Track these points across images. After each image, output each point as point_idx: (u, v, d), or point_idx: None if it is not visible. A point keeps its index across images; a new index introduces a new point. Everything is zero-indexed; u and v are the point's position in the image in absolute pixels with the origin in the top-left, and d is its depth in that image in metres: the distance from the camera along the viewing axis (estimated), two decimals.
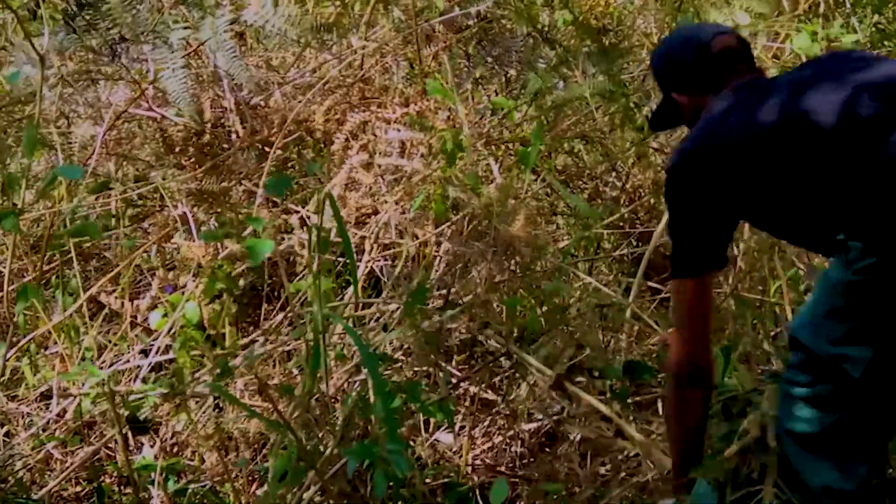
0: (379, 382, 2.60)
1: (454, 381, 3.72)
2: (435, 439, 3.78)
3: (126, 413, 3.54)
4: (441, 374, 3.51)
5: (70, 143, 4.19)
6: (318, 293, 2.73)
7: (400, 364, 3.69)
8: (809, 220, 2.51)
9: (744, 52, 2.80)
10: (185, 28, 3.83)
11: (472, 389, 3.85)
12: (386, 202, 3.94)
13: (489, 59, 4.17)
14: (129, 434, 3.69)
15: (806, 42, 4.28)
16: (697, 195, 2.58)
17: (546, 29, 4.17)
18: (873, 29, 5.46)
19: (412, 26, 4.13)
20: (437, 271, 3.97)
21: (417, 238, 3.93)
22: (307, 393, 3.06)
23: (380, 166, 3.97)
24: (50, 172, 3.51)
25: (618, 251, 4.19)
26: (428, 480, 3.49)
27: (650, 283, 4.00)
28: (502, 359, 3.71)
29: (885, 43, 5.48)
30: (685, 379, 2.68)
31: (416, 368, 3.68)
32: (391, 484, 3.01)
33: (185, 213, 4.16)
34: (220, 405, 3.70)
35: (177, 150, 4.38)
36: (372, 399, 2.93)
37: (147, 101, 4.18)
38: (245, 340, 3.88)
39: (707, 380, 2.71)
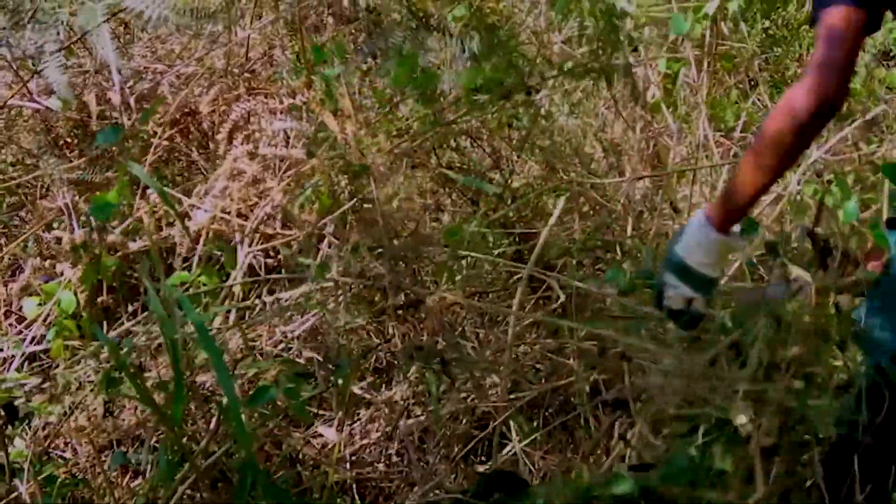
0: (226, 381, 2.58)
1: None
2: (317, 433, 3.79)
3: None
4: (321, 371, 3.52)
5: None
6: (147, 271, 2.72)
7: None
8: None
9: None
10: (70, 14, 3.81)
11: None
12: (270, 192, 3.95)
13: (378, 51, 4.19)
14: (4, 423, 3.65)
15: (681, 23, 4.36)
16: None
17: (435, 23, 4.20)
18: (763, 34, 5.59)
19: (298, 17, 4.15)
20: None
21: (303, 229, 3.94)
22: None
23: (264, 157, 3.98)
24: None
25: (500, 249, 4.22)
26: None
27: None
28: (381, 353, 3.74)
29: (774, 48, 5.62)
30: (826, 106, 2.38)
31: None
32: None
33: (66, 203, 4.13)
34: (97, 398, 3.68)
35: (60, 141, 4.36)
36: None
37: (28, 91, 4.14)
38: (114, 333, 3.85)
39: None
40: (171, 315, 2.67)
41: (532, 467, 3.54)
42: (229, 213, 3.94)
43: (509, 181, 4.19)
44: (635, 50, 4.91)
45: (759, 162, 2.48)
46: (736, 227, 2.60)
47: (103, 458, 3.51)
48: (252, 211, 4.02)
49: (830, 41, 2.38)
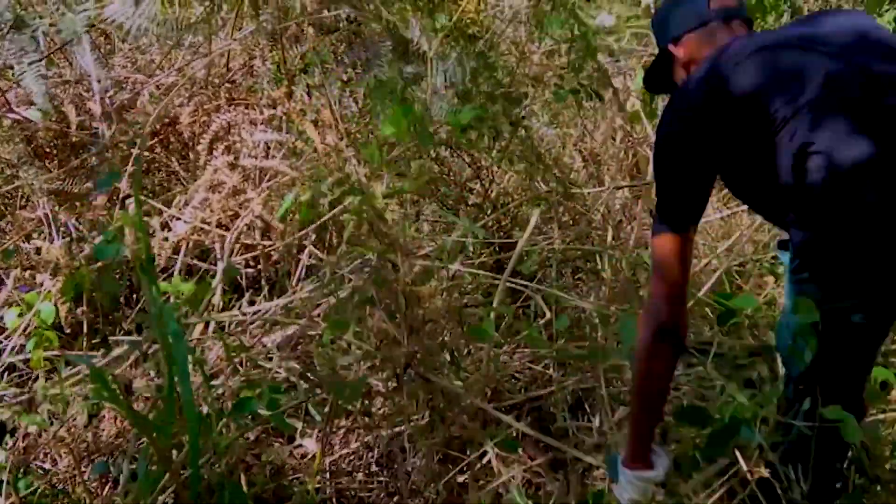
0: (186, 391, 2.59)
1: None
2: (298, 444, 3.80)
3: None
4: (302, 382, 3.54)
5: None
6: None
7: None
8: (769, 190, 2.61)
9: (740, 11, 2.86)
10: (50, 25, 3.82)
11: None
12: (250, 204, 3.96)
13: (358, 62, 4.20)
14: None
15: None
16: (695, 134, 2.63)
17: (414, 35, 4.22)
18: None
19: (278, 27, 4.16)
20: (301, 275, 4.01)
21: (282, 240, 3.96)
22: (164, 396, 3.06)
23: (244, 168, 3.99)
24: None
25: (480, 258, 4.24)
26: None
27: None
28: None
29: None
30: (660, 334, 2.71)
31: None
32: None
33: (45, 213, 4.14)
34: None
35: (40, 151, 4.37)
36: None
37: (7, 102, 4.15)
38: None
39: (680, 337, 2.75)
40: (166, 326, 2.69)
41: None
42: (209, 223, 3.95)
43: (489, 191, 4.21)
44: (618, 61, 4.95)
45: (638, 399, 2.84)
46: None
47: (83, 469, 3.51)
48: (233, 222, 4.03)
49: (658, 271, 2.71)
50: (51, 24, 3.84)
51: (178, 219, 3.99)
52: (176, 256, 4.01)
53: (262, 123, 4.11)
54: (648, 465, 2.83)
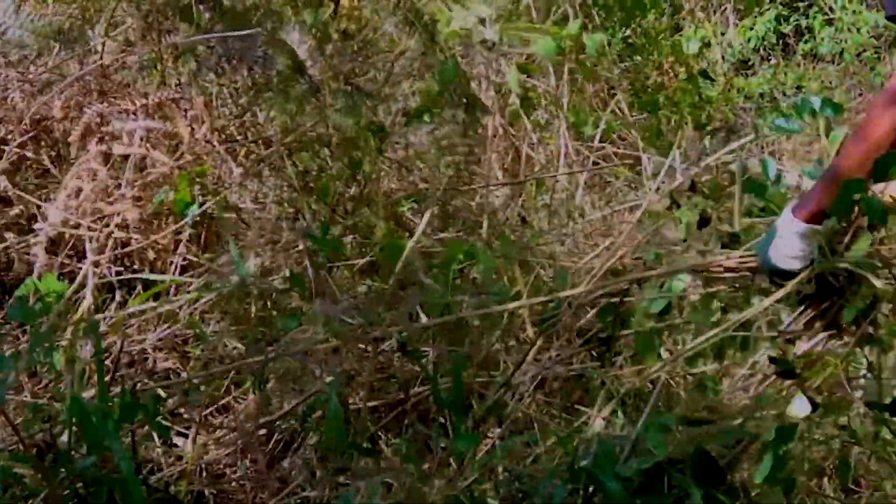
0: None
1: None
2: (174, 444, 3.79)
3: None
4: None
5: None
6: None
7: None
8: None
9: None
10: None
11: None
12: (124, 198, 3.95)
13: (233, 52, 4.20)
14: None
15: (549, 45, 4.46)
16: None
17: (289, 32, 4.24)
18: (622, 44, 5.74)
19: (154, 20, 4.16)
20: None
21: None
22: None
23: (117, 160, 3.98)
24: None
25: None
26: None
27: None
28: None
29: (634, 57, 5.77)
30: None
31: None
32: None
33: None
34: None
35: None
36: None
37: None
38: None
39: None
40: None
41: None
42: (83, 213, 3.93)
43: (366, 189, 4.24)
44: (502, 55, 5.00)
45: (852, 162, 2.76)
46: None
47: None
48: (105, 218, 4.02)
49: None
50: None
51: (47, 217, 3.96)
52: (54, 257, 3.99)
53: (134, 114, 4.09)
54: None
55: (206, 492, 3.61)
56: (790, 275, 2.90)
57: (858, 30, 7.93)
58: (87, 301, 3.84)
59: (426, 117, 4.16)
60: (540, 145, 5.19)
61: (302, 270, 3.90)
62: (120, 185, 4.04)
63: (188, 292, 3.95)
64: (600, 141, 5.44)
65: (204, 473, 3.68)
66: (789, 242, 2.87)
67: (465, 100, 4.10)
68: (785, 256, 2.88)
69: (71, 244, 4.09)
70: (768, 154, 6.48)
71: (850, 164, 2.77)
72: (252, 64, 4.07)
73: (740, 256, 3.10)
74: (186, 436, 3.64)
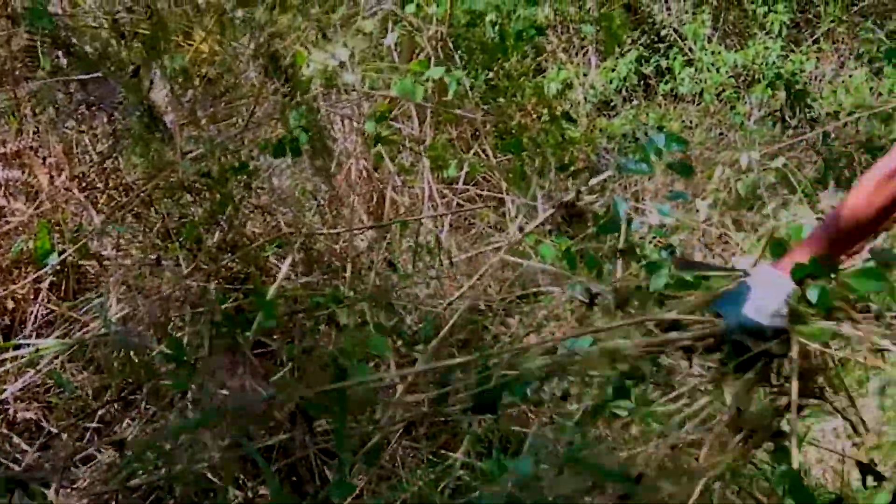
0: None
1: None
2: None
3: None
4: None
5: None
6: None
7: None
8: None
9: None
10: None
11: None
12: None
13: (92, 99, 4.21)
14: None
15: (410, 87, 4.55)
16: None
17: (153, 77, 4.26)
18: (485, 87, 5.85)
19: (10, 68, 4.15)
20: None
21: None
22: None
23: None
24: None
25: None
26: None
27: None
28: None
29: (497, 99, 5.88)
30: None
31: None
32: None
33: None
34: None
35: None
36: None
37: None
38: None
39: None
40: None
41: None
42: None
43: (228, 234, 4.26)
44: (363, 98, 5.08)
45: (844, 233, 2.75)
46: None
47: None
48: None
49: None
50: None
51: None
52: None
53: None
54: None
55: None
56: (763, 334, 2.77)
57: (718, 70, 8.16)
58: None
59: (288, 159, 4.20)
60: (404, 188, 5.27)
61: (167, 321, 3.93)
62: None
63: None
64: (465, 183, 5.53)
65: None
66: (777, 298, 2.76)
67: (321, 144, 4.15)
68: (770, 314, 2.76)
69: None
70: (631, 194, 6.68)
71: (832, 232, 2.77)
72: (111, 110, 4.08)
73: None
74: (48, 486, 3.63)
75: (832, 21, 7.95)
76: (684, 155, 3.68)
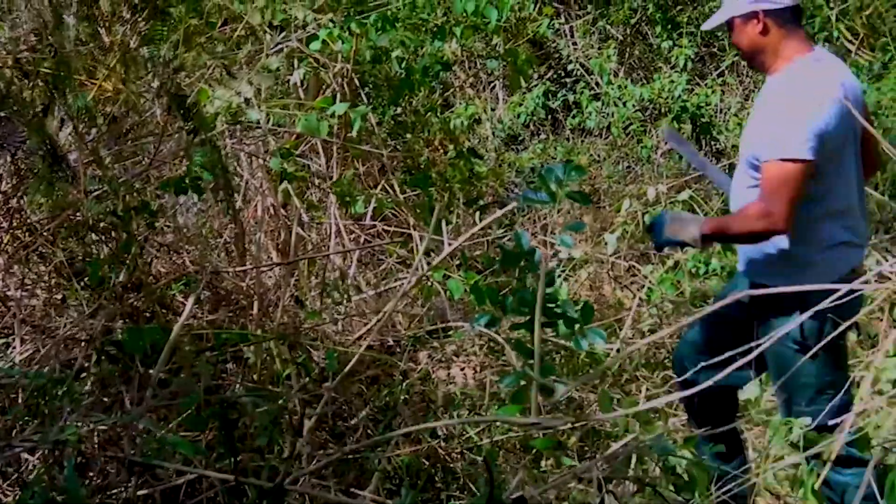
0: None
1: None
2: None
3: None
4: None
5: None
6: None
7: None
8: None
9: None
10: None
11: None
12: None
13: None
14: None
15: (314, 123, 4.60)
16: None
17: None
18: (392, 122, 5.91)
19: None
20: None
21: None
22: None
23: None
24: None
25: None
26: None
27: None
28: None
29: (405, 135, 5.94)
30: (769, 234, 3.63)
31: None
32: None
33: None
34: None
35: None
36: None
37: None
38: None
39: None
40: None
41: None
42: None
43: (133, 273, 4.27)
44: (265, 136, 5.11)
45: (733, 234, 3.87)
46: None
47: None
48: None
49: (782, 195, 3.57)
50: None
51: None
52: None
53: None
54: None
55: None
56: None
57: (625, 104, 8.30)
58: None
59: (194, 197, 4.23)
60: (312, 224, 5.31)
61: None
62: None
63: None
64: (372, 218, 5.58)
65: None
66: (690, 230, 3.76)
67: (225, 181, 4.19)
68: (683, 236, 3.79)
69: None
70: (540, 227, 6.77)
71: (734, 230, 3.80)
72: (15, 150, 4.09)
73: None
74: None
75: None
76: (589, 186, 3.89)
